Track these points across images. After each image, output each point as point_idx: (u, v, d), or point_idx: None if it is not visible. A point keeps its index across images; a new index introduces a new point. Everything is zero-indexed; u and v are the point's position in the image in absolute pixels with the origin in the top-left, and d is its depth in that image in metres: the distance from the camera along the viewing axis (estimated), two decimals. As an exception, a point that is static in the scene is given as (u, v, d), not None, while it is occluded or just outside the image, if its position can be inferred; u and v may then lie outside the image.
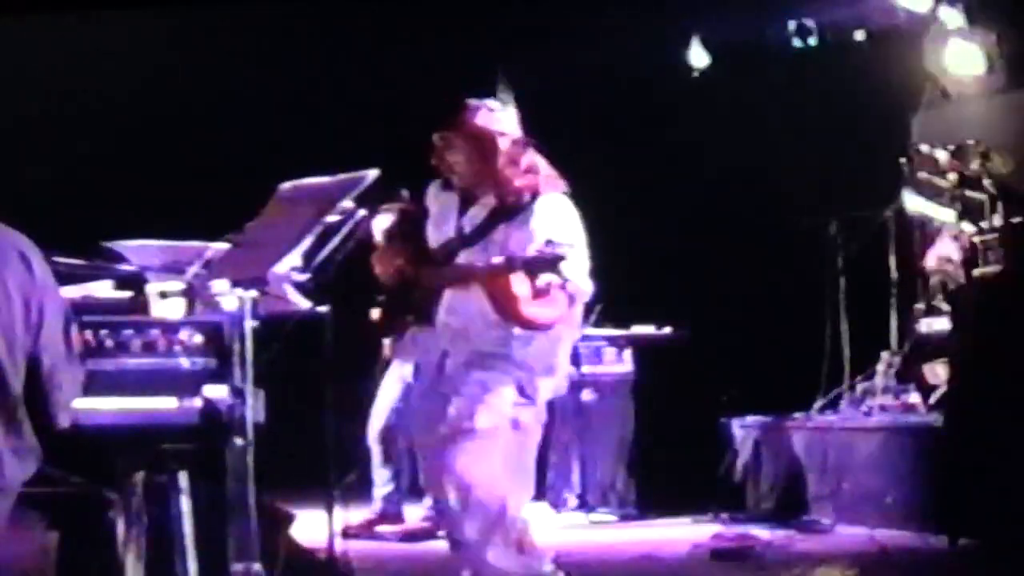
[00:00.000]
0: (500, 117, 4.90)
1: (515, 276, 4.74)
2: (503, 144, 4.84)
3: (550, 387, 5.02)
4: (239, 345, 4.08)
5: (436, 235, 5.05)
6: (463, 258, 4.95)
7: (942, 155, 8.18)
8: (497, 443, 4.86)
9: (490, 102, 4.94)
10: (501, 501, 4.85)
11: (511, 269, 4.69)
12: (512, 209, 4.85)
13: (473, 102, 4.91)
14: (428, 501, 7.62)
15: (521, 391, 4.90)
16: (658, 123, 9.63)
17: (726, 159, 9.31)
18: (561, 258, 4.63)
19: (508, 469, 4.91)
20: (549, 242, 4.71)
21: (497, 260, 4.74)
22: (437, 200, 5.10)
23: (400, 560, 6.91)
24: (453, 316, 4.93)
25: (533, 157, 4.91)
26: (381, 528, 7.53)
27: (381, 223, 7.23)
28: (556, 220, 4.85)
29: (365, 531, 7.40)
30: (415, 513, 7.65)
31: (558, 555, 5.30)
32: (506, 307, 4.76)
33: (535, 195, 4.88)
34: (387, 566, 6.62)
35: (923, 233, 8.53)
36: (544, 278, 4.66)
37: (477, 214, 4.94)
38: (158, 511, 4.17)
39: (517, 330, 4.87)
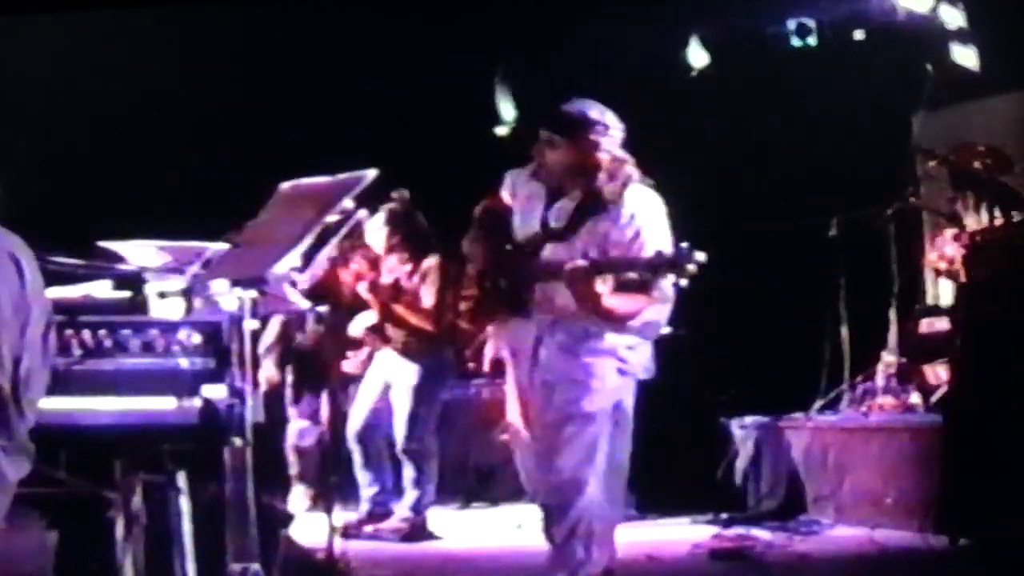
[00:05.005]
0: (612, 135, 4.93)
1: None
2: (604, 160, 4.86)
3: (643, 364, 5.05)
4: (238, 345, 4.07)
5: (522, 228, 5.02)
6: (549, 252, 4.92)
7: (942, 155, 8.18)
8: (602, 428, 4.90)
9: (608, 117, 4.93)
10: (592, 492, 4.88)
11: (592, 272, 4.68)
12: (599, 203, 4.84)
13: (593, 114, 4.90)
14: (409, 500, 7.60)
15: (620, 372, 4.96)
16: (656, 123, 9.60)
17: (725, 159, 9.29)
18: (639, 263, 4.68)
19: (610, 455, 4.95)
20: (636, 237, 4.77)
21: (580, 263, 4.72)
22: (525, 189, 5.07)
23: (400, 560, 6.90)
24: (544, 308, 4.93)
25: (627, 167, 4.91)
26: (382, 527, 7.51)
27: (374, 224, 7.26)
28: (644, 215, 4.84)
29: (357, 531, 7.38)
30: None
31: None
32: (586, 303, 4.74)
33: (623, 188, 4.88)
34: (386, 566, 6.61)
35: (924, 233, 8.52)
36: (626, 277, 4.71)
37: (564, 207, 4.93)
38: (157, 511, 4.17)
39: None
